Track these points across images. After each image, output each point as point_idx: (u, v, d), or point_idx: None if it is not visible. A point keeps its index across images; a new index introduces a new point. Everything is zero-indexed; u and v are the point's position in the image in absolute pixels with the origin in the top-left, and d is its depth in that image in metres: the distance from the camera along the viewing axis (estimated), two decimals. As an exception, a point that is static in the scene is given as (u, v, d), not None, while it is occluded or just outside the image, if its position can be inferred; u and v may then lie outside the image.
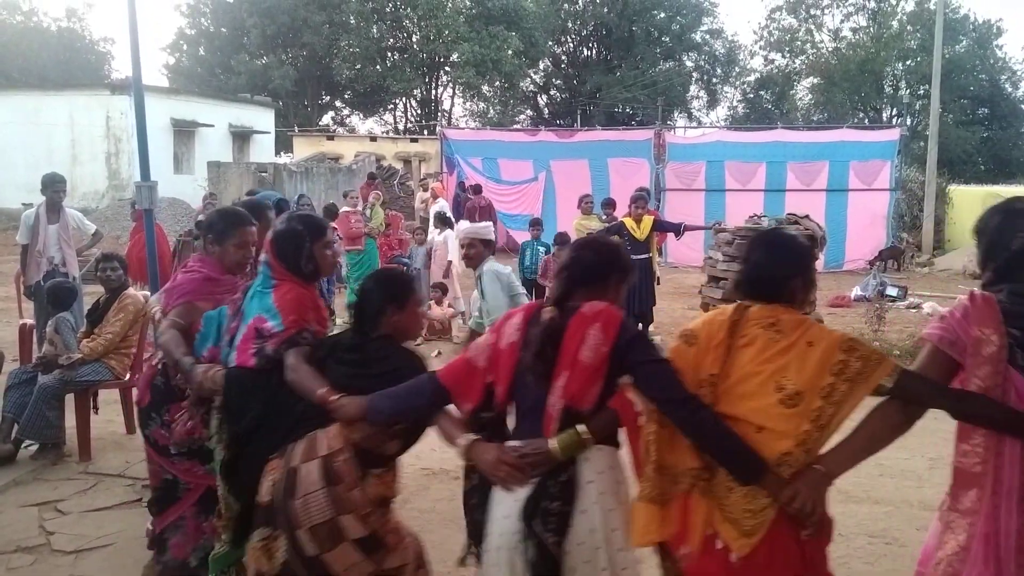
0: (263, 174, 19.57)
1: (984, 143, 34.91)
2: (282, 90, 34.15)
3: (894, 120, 34.87)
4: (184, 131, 25.56)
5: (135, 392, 4.22)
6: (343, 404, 2.62)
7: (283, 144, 30.62)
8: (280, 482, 2.65)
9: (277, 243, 3.06)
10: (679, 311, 11.44)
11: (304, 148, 26.36)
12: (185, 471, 3.44)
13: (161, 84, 32.66)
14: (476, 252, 4.93)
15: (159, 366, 3.46)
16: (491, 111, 39.43)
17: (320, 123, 37.41)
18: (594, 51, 41.23)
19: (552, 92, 42.66)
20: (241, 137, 28.47)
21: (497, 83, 36.40)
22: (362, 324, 2.85)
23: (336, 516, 2.57)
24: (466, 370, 2.56)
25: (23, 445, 5.25)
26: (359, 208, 12.13)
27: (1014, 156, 36.54)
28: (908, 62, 35.37)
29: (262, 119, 30.00)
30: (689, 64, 40.77)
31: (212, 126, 26.37)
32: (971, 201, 20.75)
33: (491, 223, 5.93)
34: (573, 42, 41.70)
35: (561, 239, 9.24)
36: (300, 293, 3.02)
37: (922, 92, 32.37)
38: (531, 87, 41.73)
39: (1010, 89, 37.48)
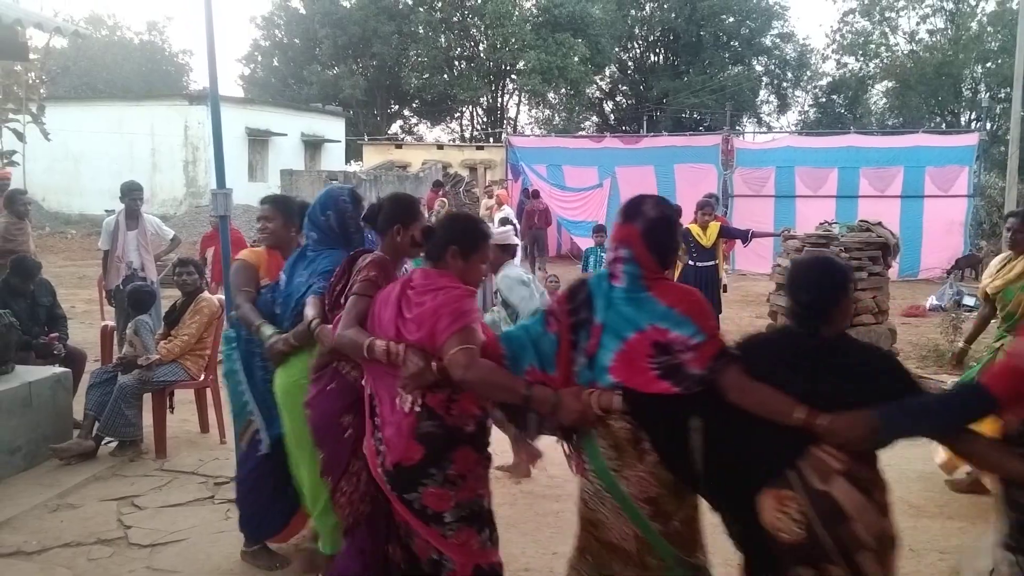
0: (334, 182, 19.98)
1: (1071, 147, 33.43)
2: (352, 99, 34.79)
3: (973, 124, 33.66)
4: (258, 140, 26.24)
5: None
6: (836, 426, 2.31)
7: (353, 152, 31.21)
8: (811, 513, 2.32)
9: (655, 234, 2.59)
10: (746, 319, 11.27)
11: (373, 156, 26.82)
12: (460, 546, 2.80)
13: (236, 94, 33.65)
14: (495, 258, 4.67)
15: (418, 407, 2.75)
16: (556, 118, 39.46)
17: (389, 132, 38.00)
18: (661, 56, 40.94)
19: (618, 98, 42.50)
20: (313, 146, 29.10)
21: (563, 90, 36.41)
22: (811, 321, 2.47)
23: (886, 525, 2.38)
24: (1018, 379, 2.34)
25: (103, 442, 5.47)
26: (426, 216, 12.28)
27: (1103, 161, 34.90)
28: (988, 64, 34.09)
29: (333, 128, 30.62)
30: (759, 68, 40.11)
31: (285, 135, 27.04)
32: (1056, 208, 19.91)
33: (512, 227, 5.88)
34: (640, 48, 41.48)
35: None
36: (688, 290, 2.65)
37: (1003, 95, 31.17)
38: (597, 94, 41.63)
39: (1099, 91, 35.87)
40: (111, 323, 7.04)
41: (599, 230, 10.80)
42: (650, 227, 2.60)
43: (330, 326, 3.11)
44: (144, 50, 41.37)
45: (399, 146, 28.74)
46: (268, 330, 3.55)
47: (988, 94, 35.05)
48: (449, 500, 2.75)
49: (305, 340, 3.37)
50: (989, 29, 34.41)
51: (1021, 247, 4.77)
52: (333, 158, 29.73)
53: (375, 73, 36.88)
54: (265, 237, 3.99)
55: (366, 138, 29.60)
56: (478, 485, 2.83)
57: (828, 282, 2.49)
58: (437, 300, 2.72)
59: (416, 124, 42.21)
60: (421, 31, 35.63)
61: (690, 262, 9.15)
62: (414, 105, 40.16)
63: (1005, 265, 4.91)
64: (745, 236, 9.52)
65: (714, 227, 9.15)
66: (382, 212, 3.23)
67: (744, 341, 2.64)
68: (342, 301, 3.17)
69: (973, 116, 35.68)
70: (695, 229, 9.09)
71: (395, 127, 40.55)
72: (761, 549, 2.44)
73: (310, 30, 36.62)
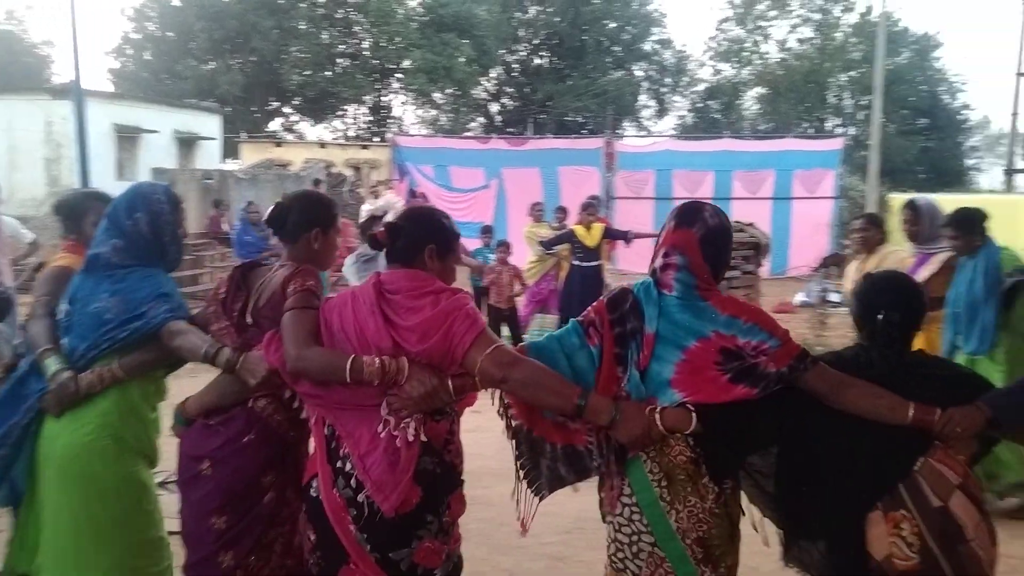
0: (208, 181, 19.27)
1: (923, 152, 35.85)
2: (229, 96, 33.64)
3: (837, 130, 35.61)
4: (127, 137, 25.05)
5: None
6: (954, 417, 2.21)
7: (230, 150, 30.16)
8: (927, 534, 2.18)
9: (713, 242, 2.40)
10: (629, 318, 11.52)
11: (252, 155, 26.00)
12: None
13: (105, 89, 31.98)
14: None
15: (423, 438, 2.34)
16: (443, 118, 39.37)
17: (268, 129, 36.96)
18: (546, 60, 41.40)
19: (504, 100, 42.74)
20: (187, 143, 27.99)
21: (449, 90, 36.35)
22: (900, 341, 2.40)
23: (995, 551, 2.27)
24: None
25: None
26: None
27: (951, 165, 37.61)
28: (852, 73, 36.18)
29: (208, 125, 29.54)
30: (639, 74, 41.12)
31: (157, 132, 25.90)
32: (911, 209, 21.25)
33: None
34: (525, 51, 41.83)
35: (499, 244, 9.50)
36: (744, 303, 2.45)
37: (865, 102, 33.11)
38: (483, 95, 41.75)
39: (948, 100, 38.59)
40: (-39, 332, 6.53)
41: (486, 231, 10.83)
42: (709, 234, 2.40)
43: (257, 353, 2.52)
44: (1, 40, 38.76)
45: (279, 144, 27.95)
46: (55, 362, 2.69)
47: (852, 101, 37.25)
48: (442, 553, 2.37)
49: (141, 374, 2.75)
50: (852, 40, 36.52)
51: (870, 245, 5.18)
52: (209, 156, 28.64)
53: (254, 69, 35.79)
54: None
55: (244, 136, 28.68)
56: (458, 532, 2.49)
57: (917, 301, 2.45)
58: (441, 304, 2.34)
59: (297, 122, 41.18)
60: (302, 27, 34.81)
61: (575, 262, 9.31)
62: (295, 102, 39.18)
63: (861, 266, 5.25)
64: (627, 237, 9.78)
65: (598, 228, 9.34)
66: (293, 214, 2.72)
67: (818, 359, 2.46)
68: (248, 321, 2.65)
69: (838, 122, 37.80)
70: (580, 230, 9.26)
71: (275, 125, 39.47)
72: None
73: (184, 23, 35.16)
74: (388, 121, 38.43)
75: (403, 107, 40.27)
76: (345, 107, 39.11)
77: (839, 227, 18.39)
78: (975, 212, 4.71)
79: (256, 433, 2.59)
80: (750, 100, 40.92)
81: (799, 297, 13.41)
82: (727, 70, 40.30)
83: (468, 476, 2.53)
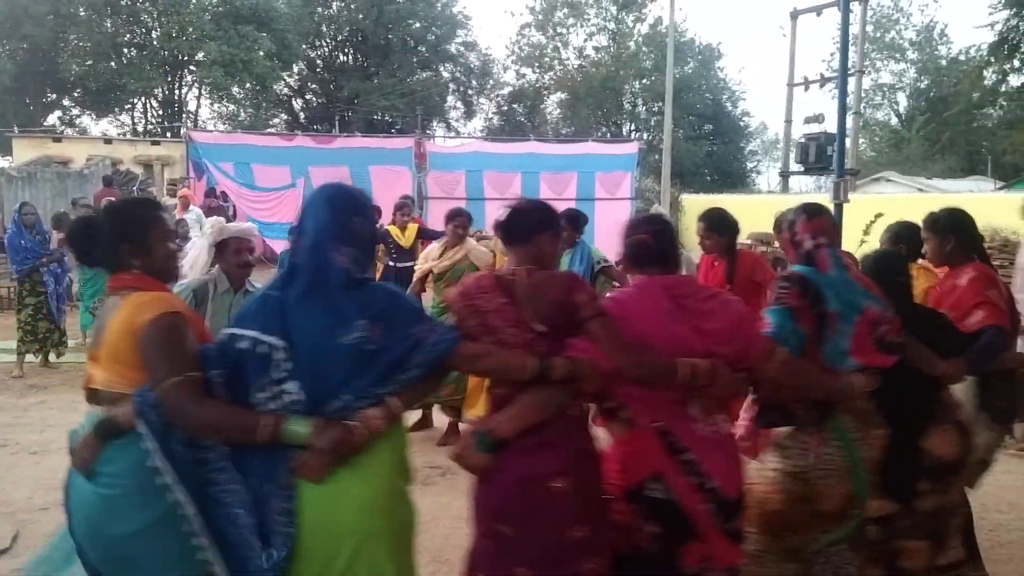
0: (-24, 178, 17.35)
1: (709, 156, 38.57)
2: (-3, 85, 30.50)
3: (633, 134, 37.55)
4: None
5: None
6: (956, 369, 3.15)
7: (0, 146, 27.37)
8: (959, 443, 3.17)
9: (835, 229, 3.16)
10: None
11: (26, 151, 23.66)
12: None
13: None
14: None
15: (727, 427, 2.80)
16: (242, 114, 37.70)
17: (45, 123, 33.81)
18: (350, 57, 40.69)
19: (308, 96, 41.58)
20: (-54, 137, 25.11)
21: (248, 85, 34.85)
22: (905, 298, 3.25)
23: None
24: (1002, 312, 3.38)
25: None
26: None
27: (734, 168, 40.77)
28: (644, 80, 38.23)
29: (-28, 117, 26.63)
30: (446, 75, 41.36)
31: (-92, 124, 23.04)
32: (700, 208, 22.60)
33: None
34: (328, 47, 40.90)
35: None
36: (861, 273, 3.26)
37: (656, 109, 35.11)
38: (285, 90, 40.40)
39: (730, 107, 41.73)
40: None
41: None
42: (833, 219, 3.19)
43: (583, 356, 2.48)
44: None
45: (58, 139, 25.60)
46: (302, 424, 2.20)
47: (645, 107, 39.41)
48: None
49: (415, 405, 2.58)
50: (644, 49, 38.61)
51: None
52: (-26, 152, 25.85)
53: (26, 57, 32.61)
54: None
55: (16, 130, 26.06)
56: None
57: (900, 264, 3.50)
58: (731, 307, 2.72)
59: (79, 115, 37.98)
60: (82, 13, 32.13)
61: (390, 262, 9.20)
62: (75, 94, 36.12)
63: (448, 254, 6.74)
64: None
65: (412, 228, 9.29)
66: (522, 219, 2.73)
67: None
68: (543, 329, 2.54)
69: (633, 127, 39.87)
70: (394, 231, 9.16)
71: (53, 118, 36.15)
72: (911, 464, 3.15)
73: (-59, 4, 31.47)
74: (182, 116, 36.29)
75: (198, 101, 38.20)
76: (133, 100, 36.55)
77: (637, 226, 19.41)
78: (582, 214, 6.78)
79: (592, 440, 2.64)
80: (552, 104, 42.29)
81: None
82: (530, 75, 41.43)
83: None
